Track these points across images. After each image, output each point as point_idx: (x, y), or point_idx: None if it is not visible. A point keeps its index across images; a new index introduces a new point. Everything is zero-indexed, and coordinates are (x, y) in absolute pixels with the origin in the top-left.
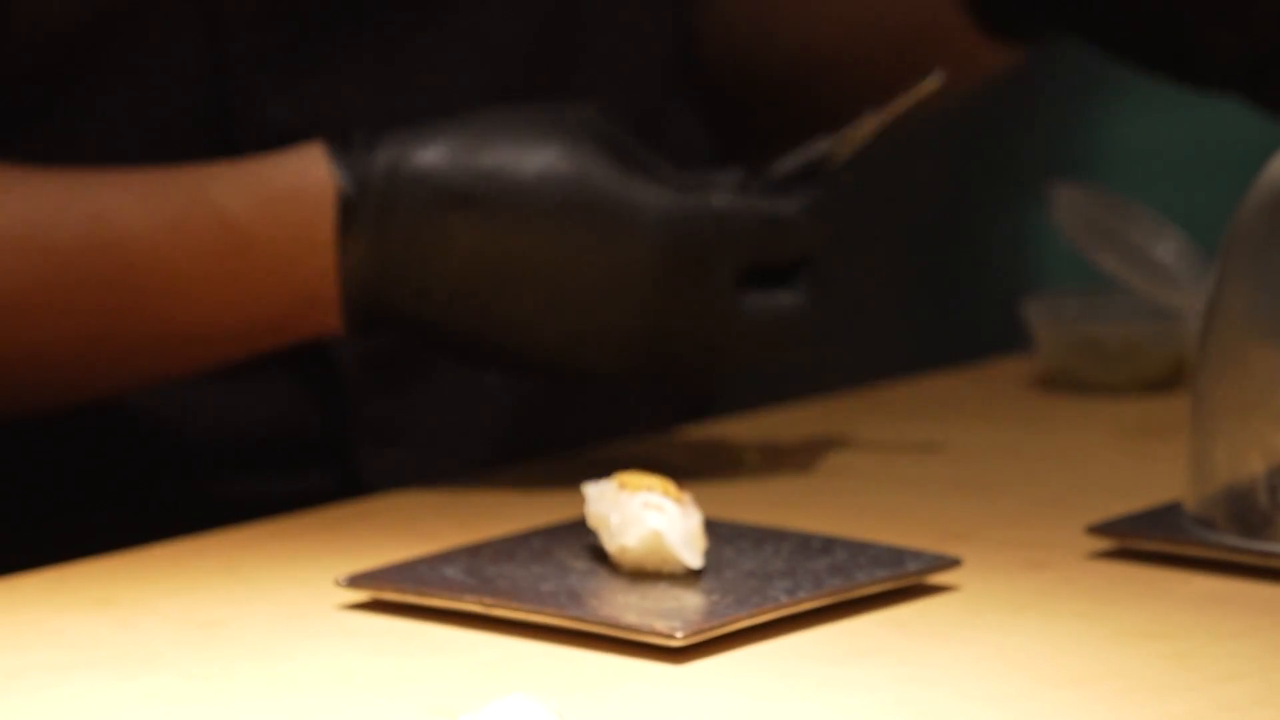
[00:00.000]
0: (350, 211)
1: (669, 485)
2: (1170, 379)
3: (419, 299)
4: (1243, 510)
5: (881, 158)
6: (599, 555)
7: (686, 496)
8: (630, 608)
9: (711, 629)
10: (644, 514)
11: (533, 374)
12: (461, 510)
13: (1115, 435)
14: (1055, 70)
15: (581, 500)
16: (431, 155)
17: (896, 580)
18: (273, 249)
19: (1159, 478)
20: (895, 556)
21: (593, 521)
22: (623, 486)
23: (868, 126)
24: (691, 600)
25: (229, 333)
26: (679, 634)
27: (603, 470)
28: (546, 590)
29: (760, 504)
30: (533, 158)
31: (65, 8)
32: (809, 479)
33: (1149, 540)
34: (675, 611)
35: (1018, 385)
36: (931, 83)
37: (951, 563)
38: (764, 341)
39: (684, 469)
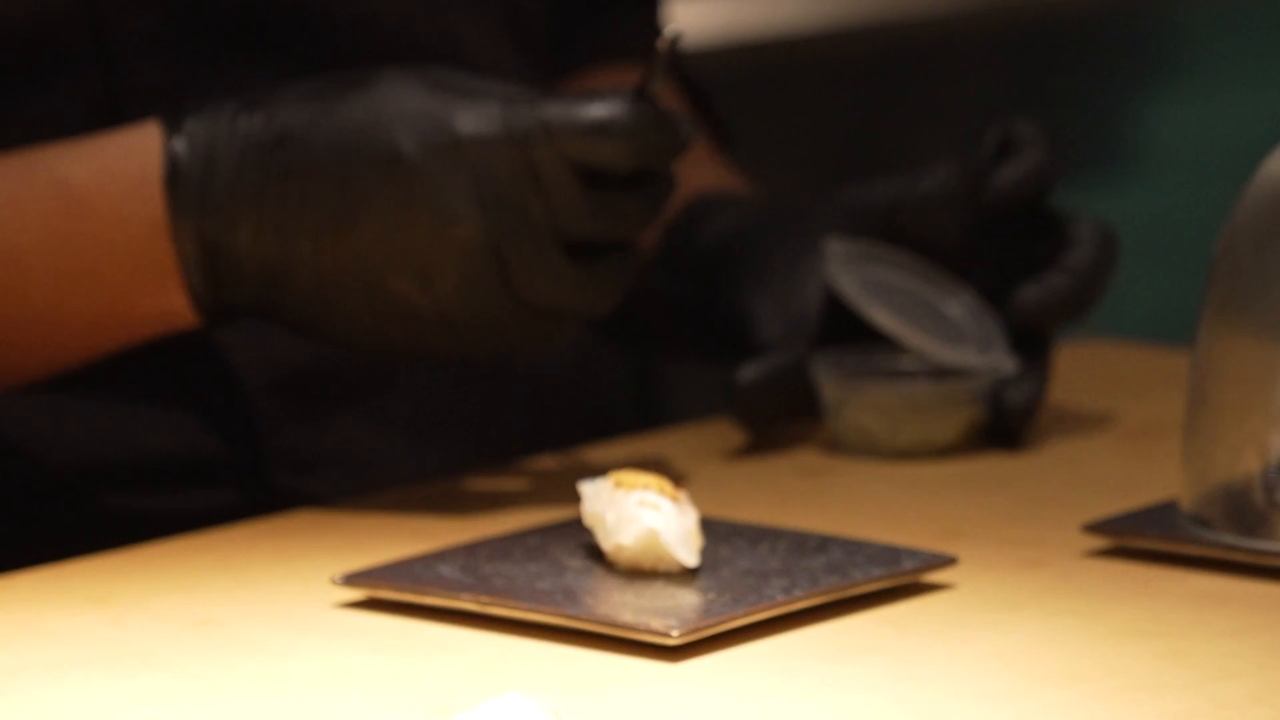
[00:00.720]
0: (176, 166)
1: (665, 483)
2: (960, 443)
3: (254, 246)
4: (1238, 509)
5: (916, 149)
6: (595, 553)
7: (682, 495)
8: (626, 606)
9: (707, 627)
10: (640, 512)
11: (379, 338)
12: (457, 508)
13: (1111, 433)
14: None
15: (577, 499)
16: (254, 114)
17: (892, 579)
18: (107, 209)
19: (1155, 476)
20: (891, 555)
21: (589, 520)
22: (619, 485)
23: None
24: (687, 599)
25: (71, 315)
26: (675, 632)
27: (599, 469)
28: (542, 589)
29: (756, 502)
30: (351, 97)
31: None
32: (805, 478)
33: (1145, 539)
34: (671, 610)
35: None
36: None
37: (947, 561)
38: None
39: (680, 467)
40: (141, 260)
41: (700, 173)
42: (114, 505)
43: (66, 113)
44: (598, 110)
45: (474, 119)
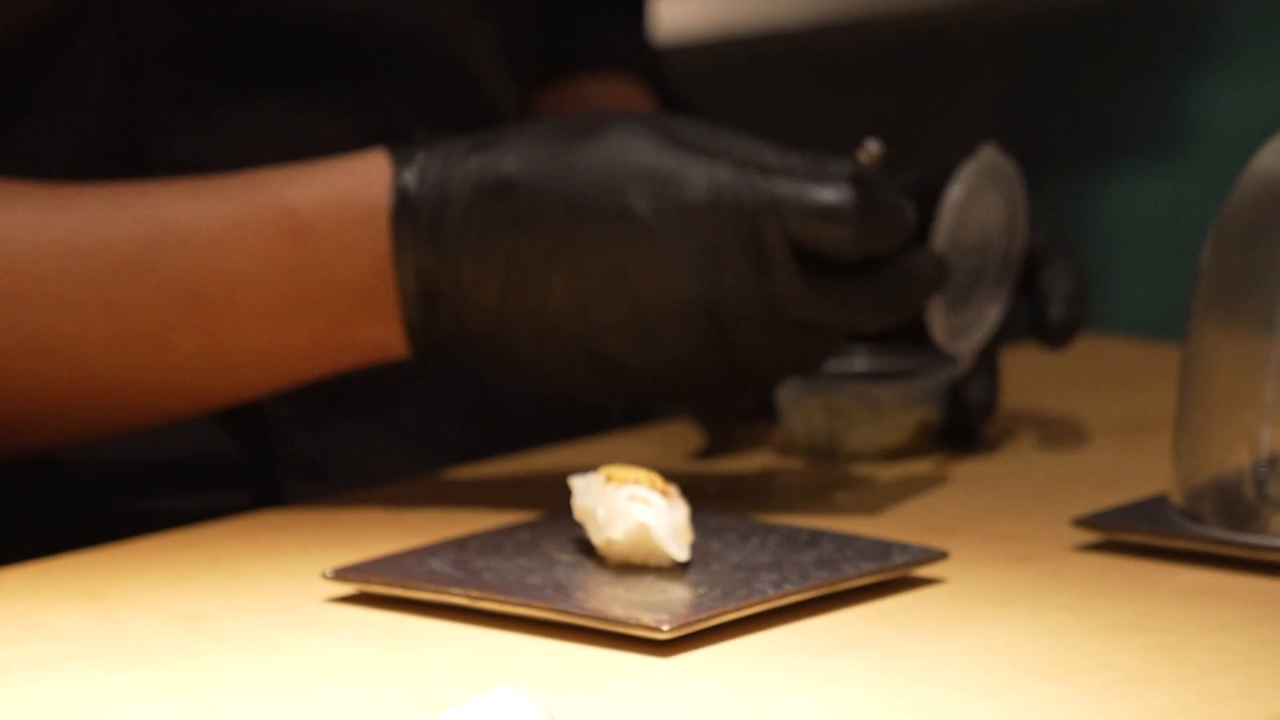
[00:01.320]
0: (406, 199)
1: (655, 478)
2: (912, 444)
3: (476, 289)
4: (1229, 503)
5: (949, 135)
6: (585, 548)
7: (673, 489)
8: (617, 600)
9: (698, 622)
10: (630, 507)
11: (599, 384)
12: (448, 503)
13: (1102, 428)
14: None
15: (568, 493)
16: (486, 154)
17: (883, 573)
18: (334, 238)
19: (1145, 470)
20: (882, 549)
21: (579, 514)
22: (609, 479)
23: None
24: (678, 593)
25: (286, 343)
26: (666, 627)
27: (589, 464)
28: (533, 583)
29: (747, 497)
30: (583, 147)
31: None
32: (795, 473)
33: (1135, 533)
34: (662, 604)
35: (1007, 377)
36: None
37: (938, 555)
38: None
39: (670, 463)
40: (363, 292)
41: None
42: (126, 505)
43: (82, 116)
44: (829, 195)
45: (706, 185)
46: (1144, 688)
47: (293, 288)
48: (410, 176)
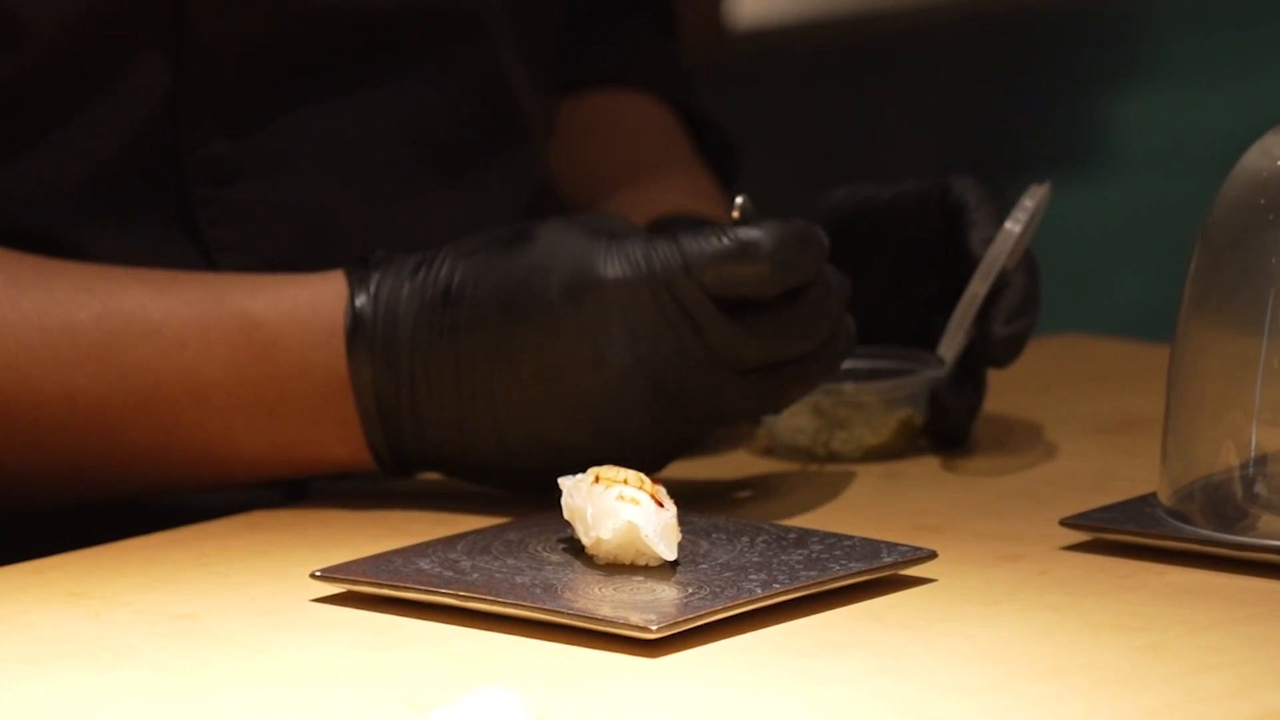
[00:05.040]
0: (359, 322)
1: (644, 479)
2: (893, 445)
3: (431, 403)
4: (1217, 503)
5: (885, 143)
6: (574, 548)
7: (661, 490)
8: (605, 600)
9: (687, 621)
10: (619, 507)
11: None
12: (436, 503)
13: (1089, 428)
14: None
15: (557, 493)
16: (430, 270)
17: (871, 573)
18: (293, 354)
19: (1133, 470)
20: (870, 549)
21: (568, 514)
22: (598, 480)
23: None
24: (667, 593)
25: (247, 450)
26: (654, 626)
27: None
28: (521, 583)
29: (735, 497)
30: (510, 254)
31: (29, 39)
32: (784, 473)
33: (1124, 533)
34: (650, 604)
35: (995, 378)
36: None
37: (926, 555)
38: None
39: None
40: (323, 410)
41: (668, 197)
42: (162, 497)
43: (129, 110)
44: (730, 241)
45: (618, 261)
46: (1132, 687)
47: (253, 397)
48: (363, 298)
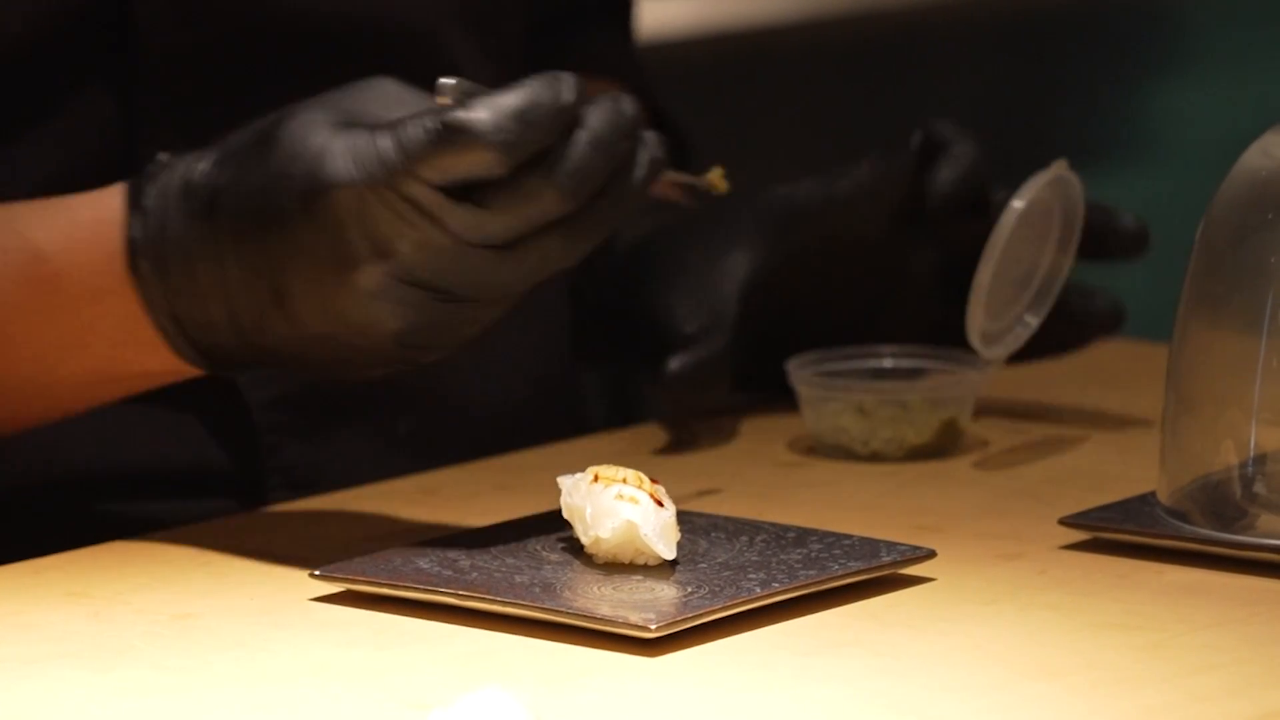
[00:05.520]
0: (135, 250)
1: (643, 478)
2: (935, 444)
3: (225, 317)
4: (1216, 502)
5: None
6: (573, 547)
7: (660, 489)
8: (604, 600)
9: (686, 621)
10: (618, 506)
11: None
12: (435, 502)
13: (1089, 427)
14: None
15: (555, 492)
16: (194, 182)
17: (870, 572)
18: (82, 284)
19: (1133, 469)
20: (869, 548)
21: (567, 513)
22: (597, 479)
23: None
24: (666, 592)
25: (66, 378)
26: (653, 626)
27: (576, 463)
28: (520, 582)
29: (734, 496)
30: (259, 155)
31: None
32: (782, 473)
33: (1123, 532)
34: (649, 603)
35: (996, 378)
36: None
37: (925, 554)
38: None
39: (657, 462)
40: (127, 333)
41: None
42: (113, 511)
43: (83, 121)
44: (443, 129)
45: (345, 162)
46: (1131, 686)
47: (54, 332)
48: (136, 226)
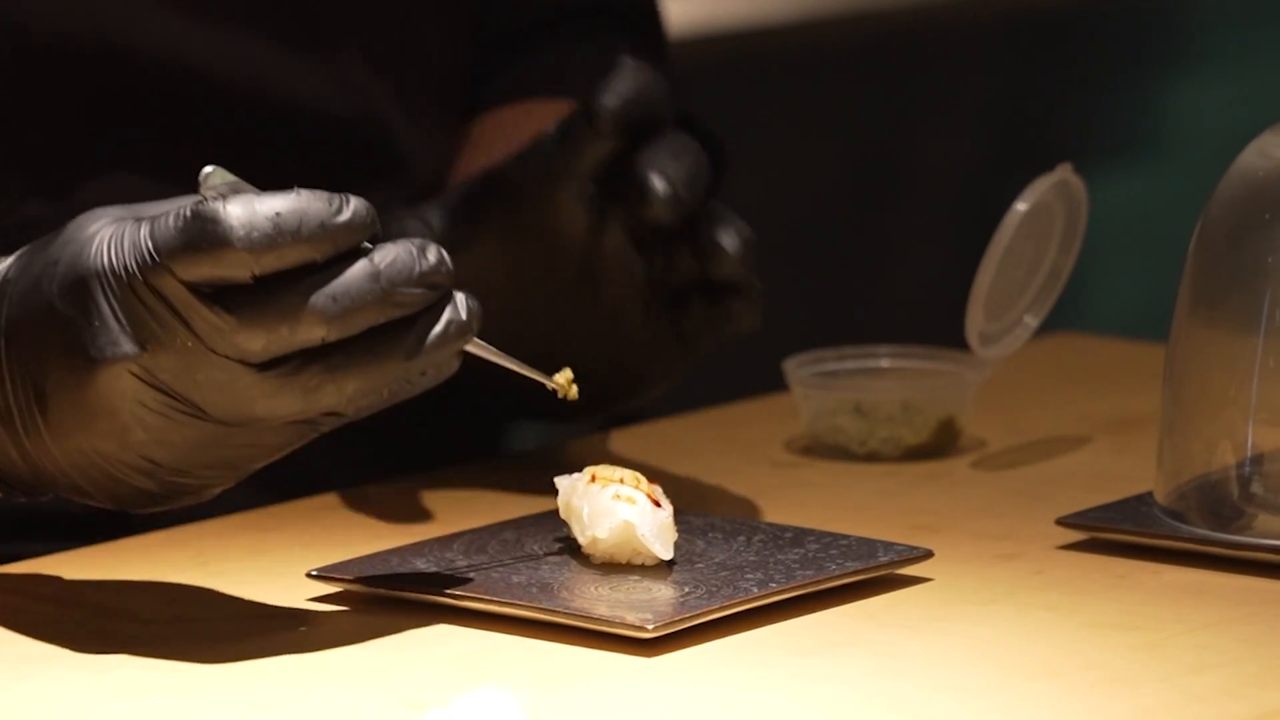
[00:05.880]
0: None
1: (640, 478)
2: (932, 444)
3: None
4: (1214, 502)
5: (918, 143)
6: (570, 547)
7: (658, 489)
8: (602, 600)
9: (683, 621)
10: (615, 506)
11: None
12: (432, 503)
13: (1086, 427)
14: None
15: (553, 493)
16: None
17: (868, 572)
18: None
19: (1130, 469)
20: (867, 548)
21: (564, 514)
22: (594, 479)
23: None
24: (663, 592)
25: None
26: (651, 626)
27: (574, 464)
28: (517, 582)
29: (732, 496)
30: (48, 251)
31: None
32: (779, 473)
33: (1120, 532)
34: (647, 604)
35: (995, 377)
36: None
37: (923, 554)
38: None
39: (655, 462)
40: None
41: None
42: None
43: None
44: (192, 221)
45: (106, 250)
46: (1128, 686)
47: None
48: None
